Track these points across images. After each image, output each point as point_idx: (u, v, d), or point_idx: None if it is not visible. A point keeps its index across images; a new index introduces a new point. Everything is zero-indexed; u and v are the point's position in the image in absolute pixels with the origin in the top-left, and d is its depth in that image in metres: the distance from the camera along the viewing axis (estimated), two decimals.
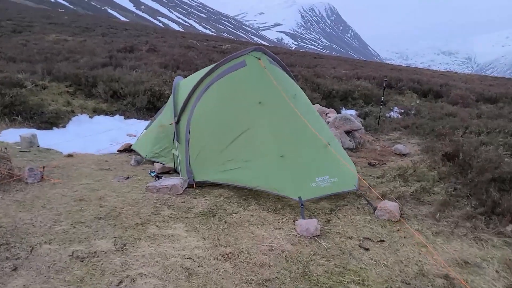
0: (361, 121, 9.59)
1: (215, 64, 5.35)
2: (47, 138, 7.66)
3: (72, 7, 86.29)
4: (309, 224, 3.82)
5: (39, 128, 8.47)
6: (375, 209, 4.34)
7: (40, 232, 3.58)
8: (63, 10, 58.18)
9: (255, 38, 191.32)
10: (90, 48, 18.18)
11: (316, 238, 3.72)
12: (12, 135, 7.64)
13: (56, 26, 28.24)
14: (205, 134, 5.02)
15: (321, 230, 3.84)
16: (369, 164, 6.45)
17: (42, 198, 4.37)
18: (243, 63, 5.15)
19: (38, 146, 7.28)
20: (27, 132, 7.54)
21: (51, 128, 8.67)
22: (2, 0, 48.53)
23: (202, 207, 4.32)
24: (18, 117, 8.70)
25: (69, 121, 9.15)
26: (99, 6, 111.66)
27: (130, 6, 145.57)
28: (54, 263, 3.08)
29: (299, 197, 4.22)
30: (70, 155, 6.70)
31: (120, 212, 4.08)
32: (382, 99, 10.90)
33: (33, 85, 10.14)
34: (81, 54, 16.03)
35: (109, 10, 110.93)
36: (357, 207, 4.54)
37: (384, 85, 10.64)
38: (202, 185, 4.94)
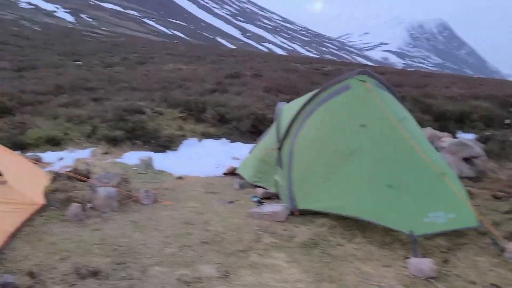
0: (481, 147, 8.55)
1: (318, 89, 5.25)
2: (161, 161, 8.31)
3: (187, 38, 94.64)
4: (422, 264, 3.42)
5: (155, 151, 9.22)
6: (503, 250, 3.74)
7: (151, 253, 3.78)
8: (180, 42, 64.12)
9: (359, 58, 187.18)
10: (200, 76, 19.56)
11: (431, 280, 3.31)
12: (132, 158, 8.44)
13: (173, 56, 31.12)
14: (308, 160, 4.89)
15: (437, 272, 3.41)
16: (494, 196, 5.64)
17: (154, 220, 4.66)
18: (347, 87, 4.96)
19: (153, 168, 7.93)
20: (145, 155, 8.28)
21: (164, 151, 9.40)
22: (131, 36, 55.65)
23: (304, 237, 4.17)
24: (138, 140, 9.62)
25: (180, 144, 9.83)
26: (210, 36, 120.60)
27: (238, 34, 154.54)
28: (163, 286, 3.20)
29: (411, 231, 3.82)
30: (180, 178, 7.14)
31: (223, 238, 4.14)
32: (507, 122, 9.62)
33: (152, 111, 11.20)
34: (193, 81, 17.30)
35: (219, 39, 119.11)
36: (481, 247, 3.94)
37: (510, 106, 9.39)
38: (303, 212, 4.80)
